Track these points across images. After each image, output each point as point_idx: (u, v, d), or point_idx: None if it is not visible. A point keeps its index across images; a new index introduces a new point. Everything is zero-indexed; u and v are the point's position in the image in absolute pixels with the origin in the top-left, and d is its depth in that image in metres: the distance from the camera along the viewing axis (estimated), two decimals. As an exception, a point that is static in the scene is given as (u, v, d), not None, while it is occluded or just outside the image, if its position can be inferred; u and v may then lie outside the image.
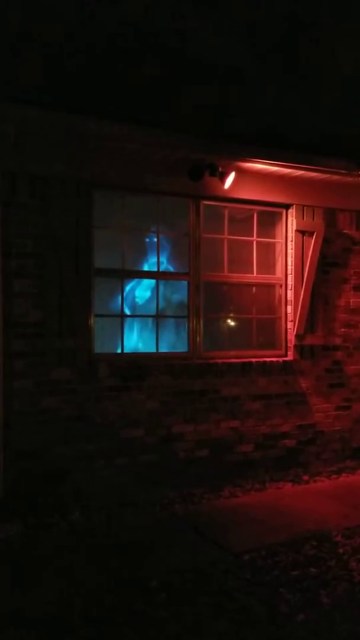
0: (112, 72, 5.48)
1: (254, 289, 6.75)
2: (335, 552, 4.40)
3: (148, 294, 6.55)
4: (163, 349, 6.23)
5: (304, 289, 6.63)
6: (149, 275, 6.37)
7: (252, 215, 6.66)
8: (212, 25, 5.86)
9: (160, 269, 6.26)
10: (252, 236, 6.68)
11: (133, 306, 6.66)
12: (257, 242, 6.71)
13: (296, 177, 6.53)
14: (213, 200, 6.31)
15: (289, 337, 6.72)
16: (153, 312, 6.30)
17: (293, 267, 6.65)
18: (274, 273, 6.81)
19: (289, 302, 6.71)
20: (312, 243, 6.67)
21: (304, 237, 6.68)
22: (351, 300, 7.07)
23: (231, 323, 6.96)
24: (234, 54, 5.93)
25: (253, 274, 6.67)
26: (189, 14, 5.77)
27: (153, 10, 5.60)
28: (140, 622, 3.40)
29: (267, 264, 6.81)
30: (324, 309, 6.84)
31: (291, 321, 6.68)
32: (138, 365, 5.83)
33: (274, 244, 6.84)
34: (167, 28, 5.68)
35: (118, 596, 3.69)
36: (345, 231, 7.01)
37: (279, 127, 6.20)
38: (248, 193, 6.39)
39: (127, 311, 6.23)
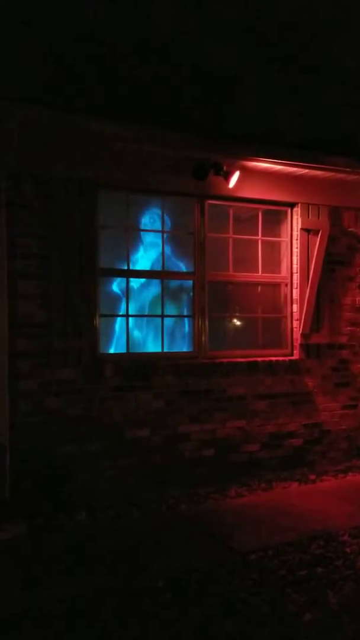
0: (116, 72, 5.47)
1: (259, 288, 6.73)
2: (342, 551, 4.38)
3: (153, 293, 6.53)
4: (168, 348, 6.22)
5: (310, 287, 6.61)
6: (153, 274, 6.35)
7: (257, 214, 6.64)
8: (215, 25, 5.85)
9: (165, 269, 6.26)
10: (257, 235, 6.66)
11: (138, 306, 6.64)
12: (262, 241, 6.69)
13: (301, 176, 6.51)
14: (218, 200, 6.30)
15: (294, 336, 6.70)
16: (158, 311, 6.29)
17: (298, 265, 6.63)
18: (279, 272, 6.79)
19: (294, 301, 6.69)
20: (317, 241, 6.65)
21: (309, 236, 6.66)
22: (357, 298, 7.04)
23: (237, 322, 6.93)
24: (236, 53, 5.91)
25: (258, 273, 6.65)
26: (192, 14, 5.76)
27: (155, 10, 5.59)
28: (146, 622, 3.39)
29: (273, 262, 6.79)
30: (329, 307, 6.82)
31: (297, 320, 6.66)
32: (143, 365, 5.83)
33: (279, 243, 6.82)
34: (170, 28, 5.67)
35: (124, 596, 3.68)
36: (350, 229, 6.98)
37: (282, 125, 6.17)
38: (253, 192, 6.38)
39: (132, 311, 6.22)
